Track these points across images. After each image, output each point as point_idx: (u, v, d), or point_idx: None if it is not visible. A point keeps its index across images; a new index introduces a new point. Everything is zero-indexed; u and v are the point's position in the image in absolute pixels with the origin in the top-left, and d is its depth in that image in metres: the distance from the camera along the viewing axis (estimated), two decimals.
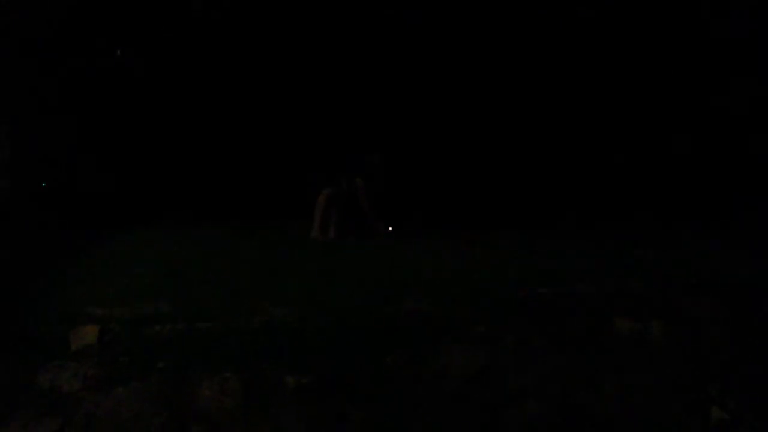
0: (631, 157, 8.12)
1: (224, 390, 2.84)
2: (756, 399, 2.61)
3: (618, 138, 8.17)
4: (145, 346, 3.13)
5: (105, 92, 7.41)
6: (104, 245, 5.62)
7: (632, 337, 3.18)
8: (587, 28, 7.82)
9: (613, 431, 2.63)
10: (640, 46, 8.00)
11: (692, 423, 2.57)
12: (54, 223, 5.97)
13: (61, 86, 6.90)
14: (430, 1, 7.84)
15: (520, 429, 2.65)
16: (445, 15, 7.90)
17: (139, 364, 2.96)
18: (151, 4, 7.55)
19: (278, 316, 3.57)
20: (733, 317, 3.34)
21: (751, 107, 7.77)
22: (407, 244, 6.01)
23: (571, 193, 7.85)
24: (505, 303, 3.68)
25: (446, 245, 5.89)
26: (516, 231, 6.54)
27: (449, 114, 8.05)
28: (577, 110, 8.13)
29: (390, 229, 6.64)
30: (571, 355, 3.05)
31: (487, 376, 2.97)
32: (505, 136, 8.08)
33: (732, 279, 4.04)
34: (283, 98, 7.86)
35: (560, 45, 7.94)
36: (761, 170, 7.40)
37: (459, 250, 5.57)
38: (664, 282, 4.01)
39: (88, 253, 5.22)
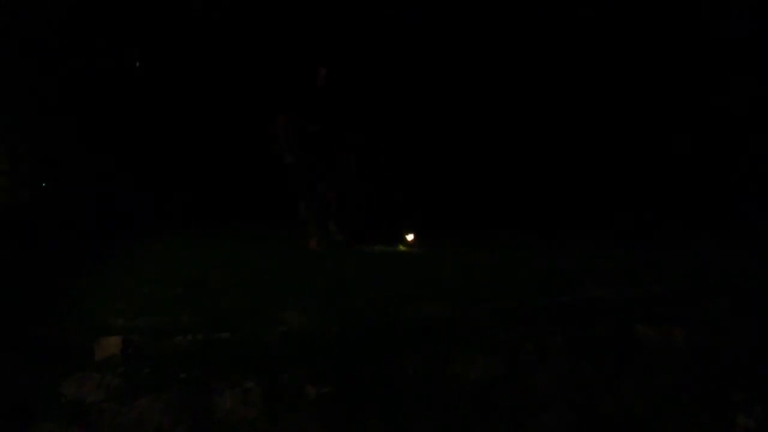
0: (631, 158, 8.09)
1: (245, 400, 2.86)
2: None
3: (619, 139, 8.14)
4: (166, 357, 3.16)
5: (108, 94, 7.42)
6: (121, 253, 5.66)
7: (654, 344, 3.18)
8: (588, 28, 7.82)
9: None
10: (640, 46, 7.99)
11: (717, 430, 2.55)
12: (69, 230, 6.00)
13: (63, 88, 6.91)
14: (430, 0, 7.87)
15: None
16: (445, 15, 7.92)
17: (161, 375, 2.98)
18: (151, 5, 7.59)
19: (297, 325, 3.60)
20: (756, 322, 3.33)
21: (752, 107, 7.74)
22: (423, 248, 6.02)
23: (575, 194, 7.83)
24: (524, 309, 3.68)
25: (461, 248, 5.90)
26: (530, 233, 6.53)
27: (455, 116, 8.05)
28: (581, 111, 8.12)
29: (411, 237, 6.45)
30: (591, 361, 3.05)
31: (506, 383, 2.97)
32: (513, 137, 8.08)
33: (752, 282, 4.02)
34: (287, 98, 7.86)
35: (563, 46, 7.95)
36: (761, 171, 7.36)
37: (475, 254, 5.57)
38: (683, 286, 4.00)
39: (106, 261, 5.25)
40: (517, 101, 8.16)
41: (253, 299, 4.08)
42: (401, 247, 6.35)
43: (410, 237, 6.41)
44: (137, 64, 7.40)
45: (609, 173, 7.97)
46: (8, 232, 5.46)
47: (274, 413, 2.81)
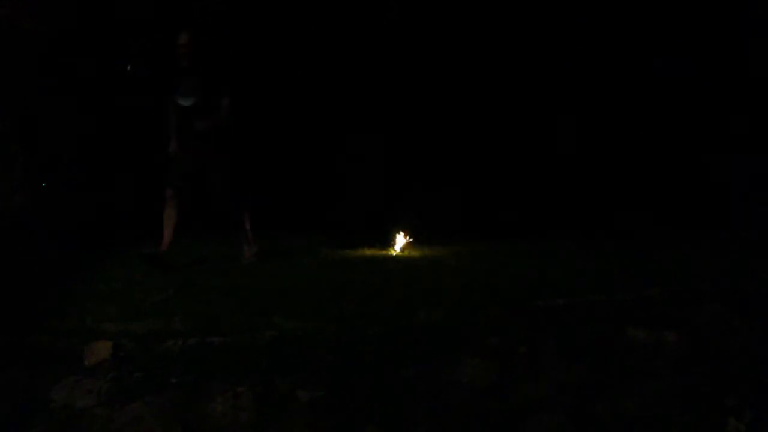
0: (627, 161, 8.12)
1: (237, 404, 2.84)
2: None
3: (614, 141, 8.17)
4: (157, 362, 3.14)
5: (105, 96, 7.41)
6: (112, 257, 5.66)
7: (646, 347, 3.18)
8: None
9: None
10: (642, 51, 8.03)
11: None
12: (60, 234, 5.99)
13: (58, 92, 6.89)
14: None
15: None
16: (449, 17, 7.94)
17: (152, 380, 2.96)
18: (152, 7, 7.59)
19: (289, 330, 3.59)
20: (749, 325, 3.34)
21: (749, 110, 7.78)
22: (415, 252, 6.01)
23: (569, 198, 7.85)
24: (518, 313, 3.69)
25: (453, 252, 5.90)
26: (522, 237, 6.54)
27: (460, 119, 8.06)
28: (579, 111, 8.14)
29: (404, 242, 6.41)
30: (584, 364, 3.05)
31: (499, 387, 2.96)
32: (505, 141, 8.10)
33: (745, 285, 4.04)
34: (287, 102, 7.87)
35: (573, 50, 7.98)
36: (760, 173, 7.40)
37: (467, 257, 5.58)
38: (676, 289, 4.02)
39: (97, 266, 5.26)
40: (514, 102, 8.16)
41: (245, 303, 4.08)
42: (393, 252, 6.34)
43: (402, 241, 6.42)
44: (128, 67, 7.39)
45: (604, 176, 7.99)
46: (1, 237, 5.45)
47: (266, 418, 2.79)
